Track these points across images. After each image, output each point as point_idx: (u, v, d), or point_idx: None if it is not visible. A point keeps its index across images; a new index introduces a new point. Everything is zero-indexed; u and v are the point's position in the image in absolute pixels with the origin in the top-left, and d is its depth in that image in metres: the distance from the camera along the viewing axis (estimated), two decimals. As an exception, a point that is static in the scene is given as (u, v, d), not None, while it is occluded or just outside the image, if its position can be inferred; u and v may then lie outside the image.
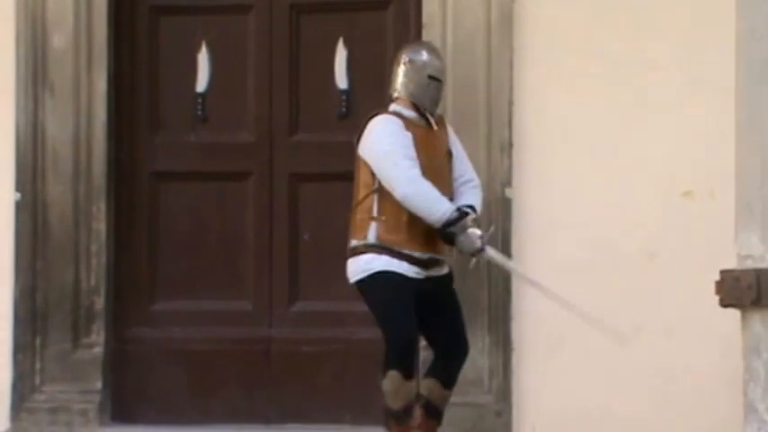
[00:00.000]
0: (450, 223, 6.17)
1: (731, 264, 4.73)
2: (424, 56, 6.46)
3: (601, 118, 7.15)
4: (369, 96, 7.19)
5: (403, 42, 7.25)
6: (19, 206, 7.47)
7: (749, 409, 4.43)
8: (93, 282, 7.48)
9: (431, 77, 6.42)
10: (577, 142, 7.16)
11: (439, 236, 6.24)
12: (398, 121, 6.29)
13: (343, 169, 6.73)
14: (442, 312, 6.38)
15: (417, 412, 6.30)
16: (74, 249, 7.48)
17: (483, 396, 7.16)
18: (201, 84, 7.55)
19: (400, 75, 6.44)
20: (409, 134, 6.28)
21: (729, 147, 5.18)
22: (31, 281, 7.46)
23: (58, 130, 7.49)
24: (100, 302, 7.47)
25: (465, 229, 6.18)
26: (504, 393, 7.18)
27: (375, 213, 6.28)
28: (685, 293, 6.96)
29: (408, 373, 6.17)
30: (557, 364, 7.12)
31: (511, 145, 7.18)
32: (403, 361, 6.18)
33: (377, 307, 6.29)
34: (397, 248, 6.23)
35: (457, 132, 7.06)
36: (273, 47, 7.52)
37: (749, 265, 4.41)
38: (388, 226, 6.25)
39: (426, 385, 6.35)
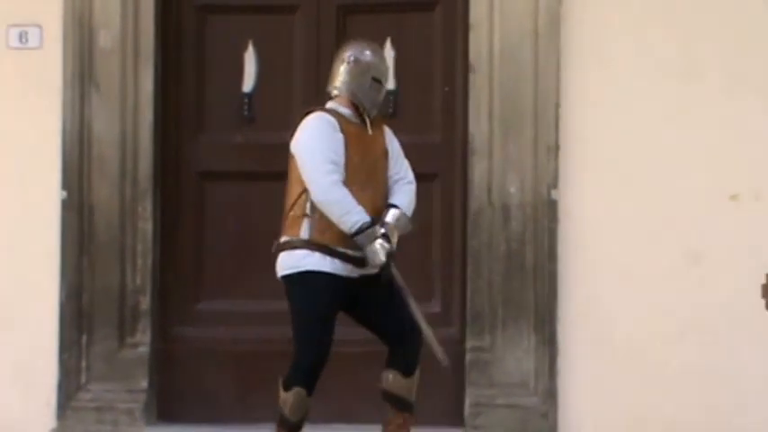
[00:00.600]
0: (359, 232, 6.03)
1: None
2: (369, 57, 6.32)
3: (647, 120, 7.14)
4: (415, 97, 7.23)
5: (450, 43, 7.39)
6: (65, 205, 7.45)
7: None
8: (138, 281, 7.48)
9: (374, 79, 6.29)
10: (623, 144, 7.16)
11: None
12: (332, 121, 6.17)
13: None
14: (385, 304, 6.17)
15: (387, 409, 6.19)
16: (120, 249, 7.48)
17: (529, 398, 7.18)
18: (248, 84, 7.53)
19: (343, 73, 6.29)
20: (340, 136, 6.15)
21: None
22: (77, 280, 7.45)
23: (104, 129, 7.48)
24: (145, 302, 7.48)
25: (373, 239, 6.04)
26: (549, 395, 7.17)
27: (308, 211, 6.13)
28: (731, 296, 6.95)
29: (311, 390, 6.09)
30: (602, 365, 7.09)
31: (557, 147, 7.16)
32: (309, 380, 6.09)
33: (297, 313, 6.17)
34: (330, 246, 6.10)
35: (504, 134, 7.21)
36: (320, 47, 7.44)
37: None
38: (321, 224, 6.10)
39: (386, 377, 6.19)
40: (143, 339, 7.47)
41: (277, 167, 7.17)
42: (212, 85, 7.68)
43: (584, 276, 7.17)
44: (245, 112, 7.56)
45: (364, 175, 6.14)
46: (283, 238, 6.21)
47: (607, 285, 7.13)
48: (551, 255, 7.19)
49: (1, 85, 7.54)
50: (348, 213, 6.04)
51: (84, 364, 7.45)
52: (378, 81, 6.29)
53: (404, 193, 6.27)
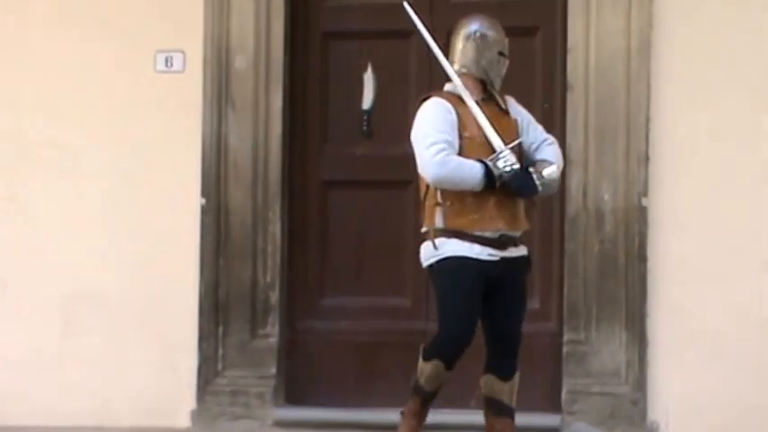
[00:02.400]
0: (489, 176, 5.74)
1: None
2: (494, 32, 5.99)
3: (730, 132, 7.20)
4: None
5: (550, 64, 7.51)
6: (204, 210, 7.58)
7: None
8: (268, 278, 7.59)
9: (500, 53, 5.98)
10: (708, 155, 7.21)
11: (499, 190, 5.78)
12: (446, 104, 5.85)
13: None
14: (508, 304, 5.98)
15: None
16: (251, 249, 7.60)
17: (620, 386, 7.22)
18: (367, 101, 7.65)
19: (470, 49, 5.94)
20: (454, 117, 5.83)
21: None
22: (214, 277, 7.58)
23: (238, 142, 7.60)
24: (275, 297, 7.59)
25: (500, 163, 5.76)
26: (639, 384, 7.19)
27: (439, 199, 5.84)
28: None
29: (451, 365, 5.84)
30: (689, 355, 7.15)
31: (647, 158, 7.22)
32: (449, 354, 5.83)
33: (442, 297, 5.90)
34: (466, 231, 5.82)
35: (599, 146, 7.32)
36: (432, 68, 7.12)
37: None
38: (453, 210, 5.83)
39: (485, 382, 6.02)
40: (272, 331, 7.59)
41: (392, 177, 7.56)
42: (335, 103, 7.74)
43: (671, 277, 7.18)
44: (364, 127, 7.66)
45: (488, 150, 5.82)
46: (423, 229, 5.98)
47: (693, 285, 7.16)
48: (641, 256, 7.20)
49: (149, 103, 7.62)
50: (468, 173, 5.75)
51: (220, 352, 7.58)
52: (503, 55, 5.99)
53: (550, 151, 6.03)
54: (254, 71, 7.67)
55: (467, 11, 7.52)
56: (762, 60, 7.24)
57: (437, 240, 5.85)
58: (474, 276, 5.83)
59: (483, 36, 5.97)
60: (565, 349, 7.36)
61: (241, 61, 7.68)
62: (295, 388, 7.72)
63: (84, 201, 7.78)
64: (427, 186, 5.91)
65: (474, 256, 5.83)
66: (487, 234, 5.86)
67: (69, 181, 7.79)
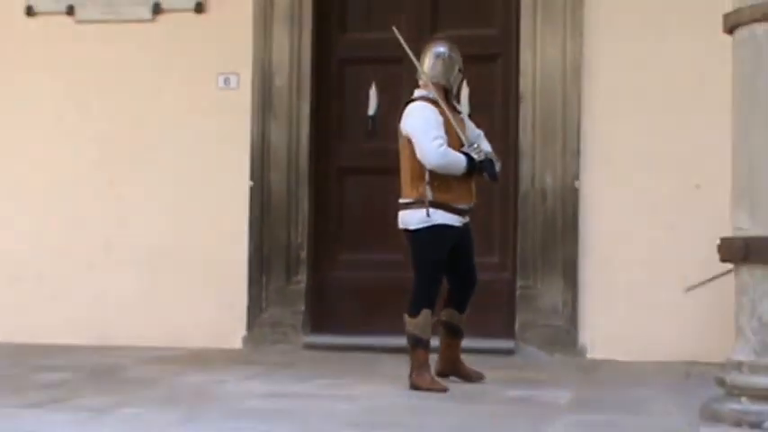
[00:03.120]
0: (472, 166, 5.65)
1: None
2: (456, 53, 5.85)
3: (642, 132, 7.06)
4: (485, 119, 6.90)
5: (508, 84, 7.36)
6: (252, 190, 7.56)
7: (738, 331, 4.34)
8: (299, 240, 7.56)
9: (459, 70, 5.88)
10: (624, 149, 7.09)
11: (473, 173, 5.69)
12: (434, 109, 5.70)
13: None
14: (464, 253, 5.81)
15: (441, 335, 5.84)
16: (286, 218, 7.56)
17: (558, 320, 7.12)
18: (372, 109, 7.56)
19: (439, 65, 5.77)
20: (441, 118, 5.67)
21: None
22: (259, 239, 7.55)
23: (277, 139, 7.56)
24: (304, 254, 7.57)
25: (483, 157, 5.69)
26: (572, 319, 7.10)
27: (428, 179, 5.62)
28: None
29: (434, 309, 5.69)
30: (609, 298, 7.03)
31: (579, 152, 7.15)
32: (434, 302, 5.68)
33: (424, 256, 5.67)
34: (450, 204, 5.66)
35: (543, 142, 7.20)
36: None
37: (740, 234, 4.30)
38: (440, 187, 5.63)
39: (447, 313, 5.85)
40: (302, 278, 7.56)
41: (391, 165, 6.98)
42: (348, 110, 7.71)
43: (597, 239, 7.10)
44: (370, 128, 7.58)
45: (456, 141, 5.72)
46: (407, 199, 5.73)
47: (613, 245, 7.06)
48: (574, 224, 7.13)
49: (213, 114, 7.59)
50: (458, 162, 5.63)
51: (263, 294, 7.55)
52: (461, 71, 5.91)
53: (485, 142, 5.86)
54: (289, 88, 7.63)
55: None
56: (663, 77, 7.14)
57: (430, 210, 5.64)
58: (449, 240, 5.73)
59: (450, 56, 5.86)
60: (518, 292, 7.31)
61: (279, 80, 7.63)
62: (319, 321, 7.67)
63: (163, 183, 7.76)
64: (413, 165, 5.69)
65: (452, 223, 5.72)
66: (461, 206, 5.76)
67: (152, 170, 7.79)
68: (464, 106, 7.04)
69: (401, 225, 5.82)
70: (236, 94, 7.62)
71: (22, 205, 7.92)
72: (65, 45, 7.89)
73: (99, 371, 6.36)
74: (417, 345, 5.61)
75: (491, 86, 7.46)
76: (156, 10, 7.77)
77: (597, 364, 6.72)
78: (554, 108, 7.24)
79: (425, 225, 5.68)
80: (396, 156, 7.23)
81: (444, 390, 5.56)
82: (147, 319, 7.62)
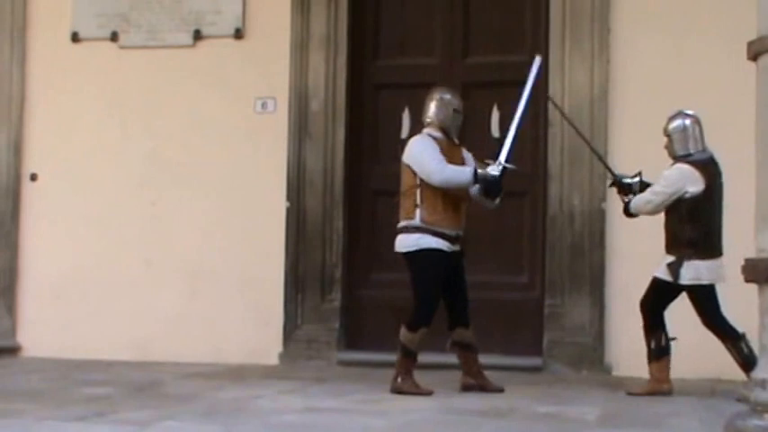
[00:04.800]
0: (477, 177, 5.90)
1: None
2: (450, 96, 6.16)
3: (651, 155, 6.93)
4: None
5: (536, 109, 7.21)
6: (289, 211, 7.60)
7: (762, 349, 4.26)
8: (333, 259, 7.59)
9: (455, 111, 6.15)
10: (650, 171, 6.74)
11: (480, 192, 5.96)
12: (433, 142, 6.03)
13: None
14: (456, 283, 6.07)
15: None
16: (321, 239, 7.59)
17: (585, 338, 7.11)
18: (404, 133, 7.51)
19: (434, 108, 6.12)
20: (437, 146, 6.00)
21: None
22: (295, 259, 7.59)
23: (313, 162, 7.60)
24: (338, 273, 7.60)
25: (486, 173, 5.91)
26: (599, 336, 7.08)
27: (418, 201, 5.96)
28: None
29: (429, 327, 5.96)
30: (633, 317, 6.55)
31: (606, 174, 6.85)
32: (431, 320, 5.96)
33: (420, 278, 5.98)
34: (435, 228, 5.93)
35: (571, 165, 7.21)
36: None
37: (764, 255, 4.39)
38: (428, 210, 5.94)
39: (456, 334, 6.10)
40: (336, 297, 7.58)
41: None
42: (381, 134, 7.71)
43: (622, 261, 7.09)
44: (402, 152, 7.62)
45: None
46: (402, 223, 6.06)
47: (637, 267, 6.80)
48: (601, 246, 7.16)
49: (251, 135, 7.66)
50: (462, 174, 5.93)
51: (299, 311, 7.58)
52: (457, 111, 6.16)
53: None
54: (324, 112, 7.68)
55: (476, 68, 7.57)
56: (688, 101, 6.79)
57: (416, 235, 5.98)
58: (442, 263, 5.98)
59: (441, 99, 6.19)
60: (546, 311, 7.30)
61: (315, 105, 7.69)
62: (353, 337, 7.70)
63: (203, 204, 7.83)
64: (408, 191, 6.03)
65: (440, 247, 5.96)
66: (447, 232, 6.00)
67: (193, 190, 7.86)
68: (494, 131, 7.11)
69: (396, 248, 6.13)
70: (273, 118, 7.69)
71: (66, 225, 8.03)
72: (108, 70, 8.02)
73: (140, 386, 6.43)
74: (408, 355, 5.99)
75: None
76: (197, 36, 7.88)
77: (623, 381, 6.70)
78: (582, 132, 7.15)
79: (415, 249, 5.98)
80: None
81: (429, 393, 5.89)
82: (186, 336, 7.68)
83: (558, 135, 7.34)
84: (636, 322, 6.84)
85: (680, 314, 6.85)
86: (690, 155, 6.18)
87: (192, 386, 6.39)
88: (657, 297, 6.22)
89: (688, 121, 6.27)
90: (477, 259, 7.06)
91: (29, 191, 8.11)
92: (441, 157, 5.97)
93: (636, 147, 7.16)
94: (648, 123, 7.06)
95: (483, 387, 6.10)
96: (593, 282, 7.20)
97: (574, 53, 7.29)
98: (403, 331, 6.01)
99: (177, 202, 7.84)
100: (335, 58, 7.65)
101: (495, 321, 7.28)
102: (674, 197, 6.12)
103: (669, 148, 6.28)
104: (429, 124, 6.17)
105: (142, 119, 7.94)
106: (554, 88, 7.31)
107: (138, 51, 7.98)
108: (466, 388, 6.09)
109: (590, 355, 7.14)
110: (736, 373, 6.04)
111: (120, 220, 7.92)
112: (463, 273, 6.15)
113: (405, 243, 6.06)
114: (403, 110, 7.63)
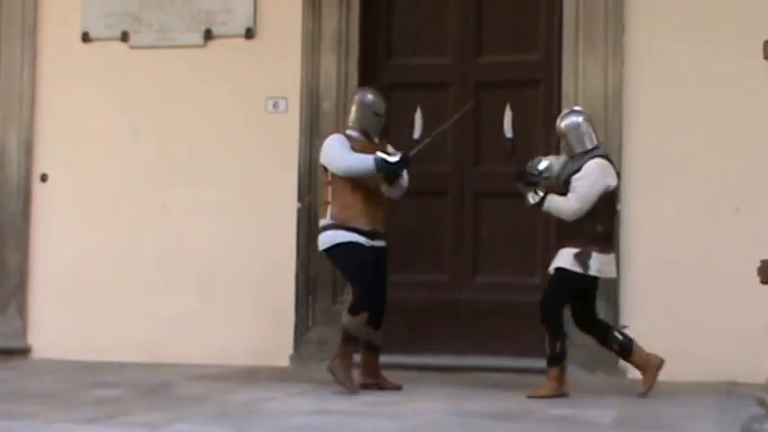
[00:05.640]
0: (380, 165, 6.11)
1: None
2: (371, 98, 6.36)
3: (681, 154, 7.04)
4: (523, 141, 6.89)
5: (550, 109, 7.28)
6: (300, 212, 7.58)
7: None
8: None
9: (374, 114, 6.34)
10: (664, 169, 7.05)
11: (384, 177, 6.17)
12: (344, 139, 6.25)
13: (505, 190, 6.70)
14: (380, 277, 6.23)
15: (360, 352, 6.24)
16: None
17: None
18: (416, 133, 7.07)
19: (355, 110, 6.35)
20: (347, 142, 6.23)
21: None
22: (306, 260, 7.54)
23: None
24: None
25: (387, 161, 6.15)
26: None
27: (330, 199, 6.22)
28: None
29: (370, 312, 6.14)
30: (646, 319, 6.89)
31: (620, 174, 6.77)
32: (371, 305, 6.14)
33: (347, 267, 6.22)
34: (348, 223, 6.15)
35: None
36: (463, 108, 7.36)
37: None
38: (339, 207, 6.17)
39: (368, 332, 6.24)
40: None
41: (435, 188, 7.49)
42: (393, 134, 7.30)
43: (637, 263, 6.99)
44: (415, 152, 7.18)
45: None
46: (321, 223, 6.31)
47: (652, 268, 6.99)
48: (617, 246, 6.78)
49: (262, 137, 7.62)
50: (365, 162, 6.13)
51: (310, 313, 7.56)
52: (377, 114, 6.37)
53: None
54: (336, 112, 7.63)
55: (490, 68, 7.55)
56: (704, 102, 7.12)
57: (330, 232, 6.20)
58: (363, 253, 6.16)
59: (362, 102, 6.37)
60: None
61: (327, 105, 7.66)
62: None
63: (213, 205, 7.82)
64: (325, 193, 6.26)
65: (355, 240, 6.16)
66: (361, 227, 6.18)
67: (202, 190, 7.84)
68: (507, 130, 7.06)
69: (319, 248, 6.35)
70: (284, 118, 7.68)
71: (76, 226, 8.04)
72: (119, 70, 8.03)
73: (151, 387, 6.44)
74: (349, 340, 6.19)
75: (533, 112, 7.40)
76: (208, 36, 7.88)
77: (638, 384, 6.66)
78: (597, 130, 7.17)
79: (332, 245, 6.22)
80: (438, 178, 7.35)
81: (354, 390, 6.08)
82: (197, 338, 7.68)
83: (572, 134, 7.27)
84: (652, 324, 6.95)
85: (694, 317, 6.92)
86: (592, 150, 6.24)
87: (203, 388, 6.40)
88: (561, 291, 6.20)
89: (580, 119, 6.33)
90: (489, 261, 7.08)
91: (39, 191, 8.13)
92: (347, 150, 6.18)
93: (651, 147, 7.16)
94: (663, 123, 7.19)
95: (381, 386, 6.29)
96: (607, 283, 6.81)
97: (587, 52, 7.26)
98: (345, 316, 6.18)
99: (188, 203, 7.83)
100: (347, 57, 7.62)
101: (508, 323, 7.27)
102: (599, 195, 6.17)
103: (566, 147, 6.32)
104: (350, 126, 6.40)
105: (153, 119, 7.95)
106: (567, 88, 7.29)
107: (149, 51, 7.98)
108: (364, 386, 6.24)
109: (605, 358, 7.02)
110: (753, 375, 5.99)
111: (131, 220, 7.93)
112: (385, 272, 6.29)
113: (323, 241, 6.27)
114: (415, 110, 7.38)
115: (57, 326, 7.99)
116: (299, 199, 7.61)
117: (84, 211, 8.04)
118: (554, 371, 6.16)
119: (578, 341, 7.09)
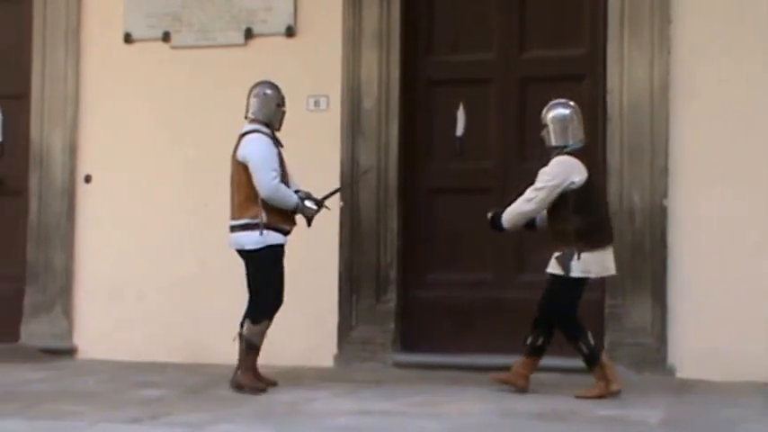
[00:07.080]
0: (297, 208, 6.26)
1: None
2: (271, 90, 6.41)
3: (730, 149, 6.98)
4: None
5: (595, 104, 7.24)
6: (342, 210, 7.55)
7: None
8: (388, 259, 7.55)
9: (277, 105, 6.39)
10: (713, 167, 6.99)
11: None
12: (270, 141, 6.28)
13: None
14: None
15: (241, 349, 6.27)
16: (376, 238, 7.57)
17: (647, 339, 7.01)
18: (459, 130, 7.53)
19: (256, 103, 6.36)
20: (276, 150, 6.26)
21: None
22: (349, 259, 7.58)
23: (366, 160, 7.56)
24: (393, 273, 7.56)
25: (304, 205, 6.30)
26: (661, 337, 6.98)
27: (261, 202, 6.20)
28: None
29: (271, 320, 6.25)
30: (696, 316, 6.91)
31: (667, 170, 7.06)
32: (273, 314, 6.25)
33: (265, 272, 6.23)
34: (279, 225, 6.22)
35: (630, 161, 7.10)
36: (508, 106, 7.51)
37: None
38: (272, 211, 6.20)
39: (246, 326, 6.29)
40: (391, 297, 7.55)
41: (478, 185, 7.49)
42: (436, 131, 7.66)
43: (685, 259, 6.99)
44: (457, 149, 7.54)
45: (286, 175, 6.38)
46: (240, 221, 6.28)
47: (701, 265, 6.92)
48: (662, 244, 7.03)
49: (304, 135, 7.47)
50: (290, 200, 6.24)
51: (353, 313, 7.56)
52: (280, 106, 6.42)
53: (297, 181, 6.50)
54: (377, 109, 7.66)
55: (533, 63, 7.52)
56: (751, 95, 7.03)
57: (264, 231, 6.21)
58: (282, 257, 6.30)
59: (265, 94, 6.42)
60: (606, 311, 7.20)
61: (368, 102, 7.67)
62: (408, 339, 7.65)
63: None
64: (249, 192, 6.23)
65: (283, 242, 6.29)
66: (286, 227, 6.33)
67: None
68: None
69: (235, 246, 6.35)
70: (325, 116, 7.69)
71: (120, 226, 8.10)
72: (161, 70, 8.08)
73: (194, 388, 6.47)
74: (250, 349, 6.27)
75: (578, 106, 7.24)
76: (249, 35, 7.91)
77: (687, 384, 6.62)
78: (642, 126, 7.16)
79: (261, 246, 6.22)
80: (482, 175, 7.31)
81: (263, 390, 6.17)
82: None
83: (617, 130, 7.24)
84: (701, 322, 6.92)
85: (743, 316, 6.82)
86: (566, 146, 6.16)
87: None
88: (555, 295, 6.14)
89: (568, 111, 6.25)
90: (533, 259, 7.04)
91: (83, 192, 8.21)
92: (277, 168, 6.22)
93: (697, 141, 7.09)
94: (711, 117, 7.10)
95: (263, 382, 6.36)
96: (655, 281, 7.08)
97: (633, 45, 7.19)
98: (248, 325, 6.24)
99: (228, 202, 7.79)
100: (388, 54, 7.62)
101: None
102: (559, 190, 6.09)
103: (546, 137, 6.25)
104: (253, 120, 6.37)
105: (195, 118, 7.99)
106: (612, 83, 7.24)
107: (190, 51, 8.03)
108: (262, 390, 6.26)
109: (652, 357, 7.03)
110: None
111: (174, 220, 7.97)
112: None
113: (249, 240, 6.26)
114: (458, 107, 7.59)
115: (101, 326, 8.07)
116: (341, 197, 7.49)
117: (127, 211, 8.10)
118: (596, 371, 6.08)
119: (627, 340, 7.07)
